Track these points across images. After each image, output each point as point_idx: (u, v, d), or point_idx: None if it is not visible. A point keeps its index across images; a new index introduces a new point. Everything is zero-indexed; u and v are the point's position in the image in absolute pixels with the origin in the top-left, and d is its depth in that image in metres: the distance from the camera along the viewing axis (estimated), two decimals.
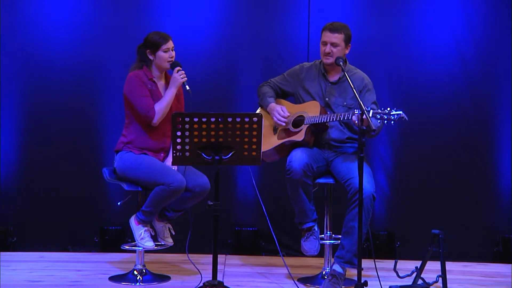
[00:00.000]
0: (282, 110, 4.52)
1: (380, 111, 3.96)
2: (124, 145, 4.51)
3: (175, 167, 4.40)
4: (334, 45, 4.44)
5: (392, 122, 3.93)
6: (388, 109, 3.95)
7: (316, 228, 4.48)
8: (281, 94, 4.72)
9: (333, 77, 4.57)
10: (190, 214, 4.42)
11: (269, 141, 4.55)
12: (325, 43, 4.47)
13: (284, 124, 4.51)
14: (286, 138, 4.50)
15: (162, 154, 4.52)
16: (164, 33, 4.52)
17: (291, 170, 4.30)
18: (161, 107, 4.44)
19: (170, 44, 4.50)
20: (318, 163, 4.43)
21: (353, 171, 4.23)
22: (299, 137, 4.44)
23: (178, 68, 4.49)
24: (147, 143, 4.48)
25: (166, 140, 4.54)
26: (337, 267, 4.32)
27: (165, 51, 4.47)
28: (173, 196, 4.31)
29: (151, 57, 4.51)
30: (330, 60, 4.46)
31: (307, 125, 4.43)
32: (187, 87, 4.45)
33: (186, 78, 4.48)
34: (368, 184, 4.16)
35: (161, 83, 4.58)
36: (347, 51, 4.52)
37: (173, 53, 4.52)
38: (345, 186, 4.34)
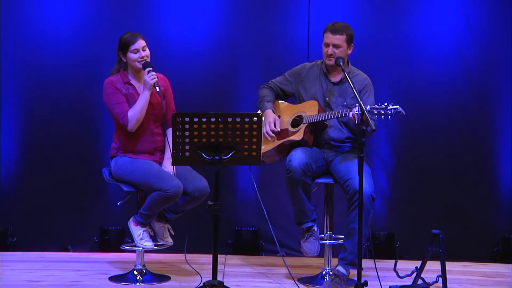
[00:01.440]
0: (274, 123, 4.49)
1: (377, 106, 4.04)
2: (117, 151, 4.47)
3: (172, 171, 4.38)
4: (336, 46, 4.42)
5: (390, 116, 4.00)
6: (386, 104, 3.99)
7: (315, 228, 4.47)
8: (282, 95, 4.71)
9: (335, 78, 4.56)
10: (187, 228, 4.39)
11: (269, 142, 4.54)
12: (327, 45, 4.45)
13: (269, 138, 4.50)
14: (285, 138, 4.49)
15: (158, 154, 4.50)
16: (135, 33, 4.37)
17: (290, 169, 4.30)
18: (135, 113, 4.32)
19: (140, 44, 4.34)
20: (318, 162, 4.42)
21: (351, 172, 4.24)
22: (298, 136, 4.44)
23: (149, 69, 4.31)
24: (138, 146, 4.43)
25: (156, 139, 4.49)
26: (340, 269, 4.32)
27: (133, 52, 4.34)
28: (169, 202, 4.28)
29: (123, 59, 4.41)
30: (333, 61, 4.46)
31: (306, 124, 4.43)
32: (157, 89, 4.30)
33: (156, 79, 4.32)
34: (366, 184, 4.15)
35: (139, 85, 4.45)
36: (349, 51, 4.49)
37: (144, 53, 4.35)
38: (343, 187, 4.33)
